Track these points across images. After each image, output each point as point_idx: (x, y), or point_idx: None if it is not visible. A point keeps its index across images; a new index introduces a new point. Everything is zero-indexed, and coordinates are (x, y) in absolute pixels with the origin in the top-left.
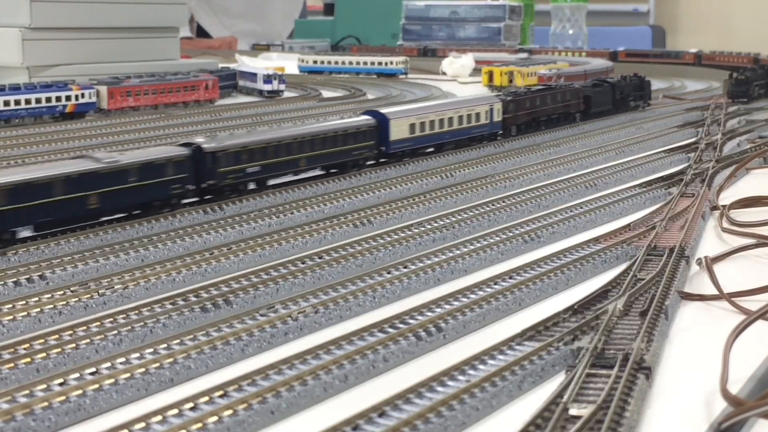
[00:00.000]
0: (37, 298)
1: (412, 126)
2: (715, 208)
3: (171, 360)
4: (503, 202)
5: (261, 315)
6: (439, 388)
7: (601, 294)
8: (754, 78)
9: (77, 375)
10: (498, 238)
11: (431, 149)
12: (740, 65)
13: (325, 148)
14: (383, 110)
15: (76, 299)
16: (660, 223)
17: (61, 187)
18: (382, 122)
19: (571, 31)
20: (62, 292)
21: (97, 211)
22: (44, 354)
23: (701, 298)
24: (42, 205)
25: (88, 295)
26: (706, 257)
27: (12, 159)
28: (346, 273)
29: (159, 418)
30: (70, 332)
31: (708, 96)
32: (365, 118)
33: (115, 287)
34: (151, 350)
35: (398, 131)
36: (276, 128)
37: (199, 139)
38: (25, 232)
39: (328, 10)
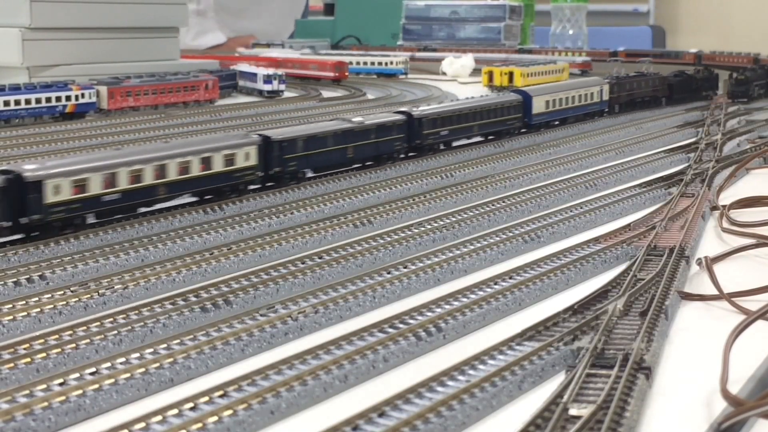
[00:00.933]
0: (37, 298)
1: (547, 102)
2: (715, 208)
3: (171, 360)
4: (503, 202)
5: (261, 315)
6: (439, 388)
7: (601, 294)
8: (754, 78)
9: (77, 375)
10: (498, 238)
11: (557, 122)
12: (740, 65)
13: (488, 118)
14: (528, 90)
15: (76, 299)
16: (660, 223)
17: (332, 140)
18: (527, 99)
19: (571, 31)
20: (62, 292)
21: (351, 159)
22: (44, 354)
23: (701, 298)
24: (321, 153)
25: (88, 295)
26: (706, 257)
27: (12, 159)
28: (346, 273)
29: (159, 418)
30: (70, 332)
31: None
32: (515, 96)
33: (115, 287)
34: (151, 350)
35: (538, 106)
36: (457, 101)
37: (414, 110)
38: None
39: (328, 10)
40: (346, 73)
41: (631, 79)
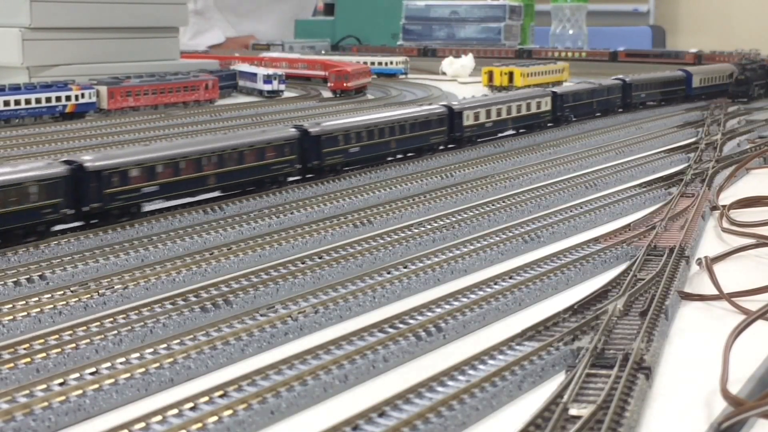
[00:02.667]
0: (37, 298)
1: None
2: (715, 208)
3: (171, 360)
4: (503, 202)
5: (261, 315)
6: (439, 388)
7: (601, 294)
8: (754, 78)
9: (77, 375)
10: (498, 238)
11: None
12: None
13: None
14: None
15: (76, 299)
16: (660, 223)
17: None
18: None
19: (571, 31)
20: (62, 292)
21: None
22: (44, 354)
23: (701, 298)
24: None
25: (88, 295)
26: (706, 257)
27: (12, 159)
28: (346, 273)
29: (159, 418)
30: (70, 332)
31: None
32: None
33: (115, 287)
34: (151, 350)
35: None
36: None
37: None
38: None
39: (328, 10)
40: (347, 85)
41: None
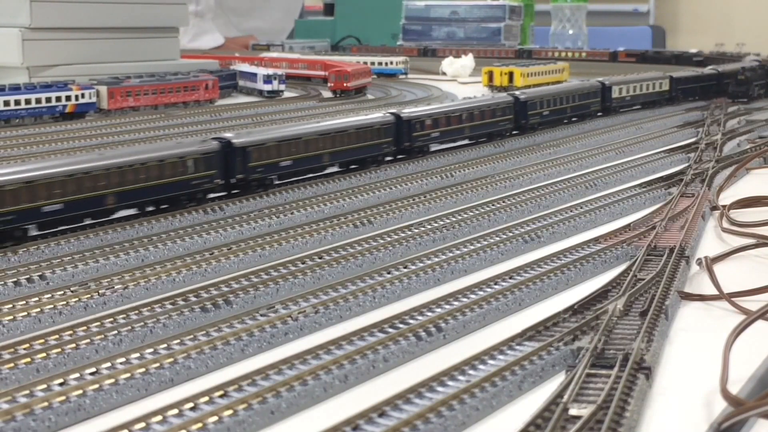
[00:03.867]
0: (37, 298)
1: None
2: (715, 208)
3: (171, 360)
4: (503, 202)
5: (261, 315)
6: (439, 388)
7: (601, 294)
8: (754, 78)
9: (77, 375)
10: (498, 238)
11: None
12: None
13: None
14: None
15: (76, 299)
16: (660, 223)
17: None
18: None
19: (571, 31)
20: (62, 292)
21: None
22: (44, 354)
23: (701, 298)
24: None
25: (88, 295)
26: (706, 257)
27: (12, 159)
28: (346, 273)
29: (159, 418)
30: (70, 332)
31: None
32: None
33: (115, 287)
34: (151, 350)
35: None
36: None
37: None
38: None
39: (328, 10)
40: (347, 85)
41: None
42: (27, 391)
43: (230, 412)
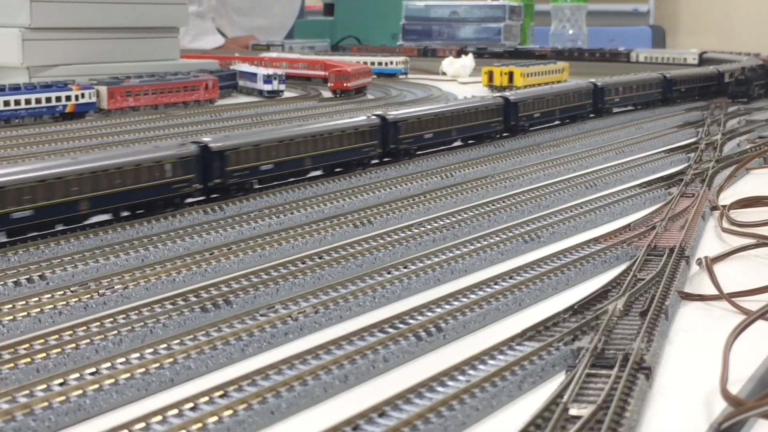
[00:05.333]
0: (37, 298)
1: None
2: (715, 208)
3: (171, 360)
4: (503, 202)
5: (261, 315)
6: (439, 388)
7: (601, 294)
8: (754, 78)
9: (77, 375)
10: (498, 238)
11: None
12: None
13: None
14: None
15: (76, 299)
16: (660, 223)
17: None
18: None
19: (571, 31)
20: (62, 292)
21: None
22: (44, 354)
23: (701, 298)
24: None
25: (88, 295)
26: (706, 257)
27: (12, 159)
28: (346, 273)
29: (159, 418)
30: (70, 332)
31: None
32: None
33: (115, 287)
34: (151, 350)
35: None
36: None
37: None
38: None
39: (328, 10)
40: (347, 85)
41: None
42: (27, 391)
43: (230, 412)
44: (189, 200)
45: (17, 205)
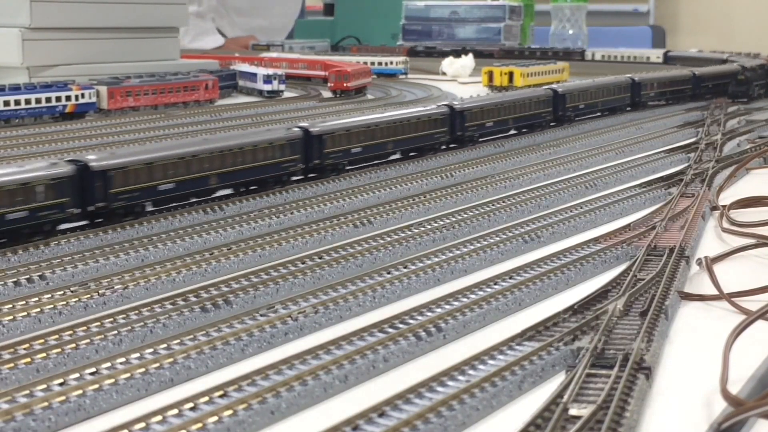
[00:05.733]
0: (37, 298)
1: None
2: (715, 208)
3: (171, 360)
4: (503, 202)
5: (261, 315)
6: (439, 388)
7: (601, 294)
8: (754, 78)
9: (77, 375)
10: (498, 238)
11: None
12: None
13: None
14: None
15: (76, 299)
16: (660, 223)
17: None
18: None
19: (571, 31)
20: (62, 292)
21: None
22: (44, 354)
23: (701, 298)
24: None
25: (88, 295)
26: (706, 257)
27: (12, 159)
28: (346, 273)
29: (159, 418)
30: (70, 332)
31: None
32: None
33: (115, 287)
34: (151, 350)
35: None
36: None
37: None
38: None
39: (328, 10)
40: (347, 85)
41: None
42: (27, 391)
43: (230, 412)
44: (294, 179)
45: (163, 178)
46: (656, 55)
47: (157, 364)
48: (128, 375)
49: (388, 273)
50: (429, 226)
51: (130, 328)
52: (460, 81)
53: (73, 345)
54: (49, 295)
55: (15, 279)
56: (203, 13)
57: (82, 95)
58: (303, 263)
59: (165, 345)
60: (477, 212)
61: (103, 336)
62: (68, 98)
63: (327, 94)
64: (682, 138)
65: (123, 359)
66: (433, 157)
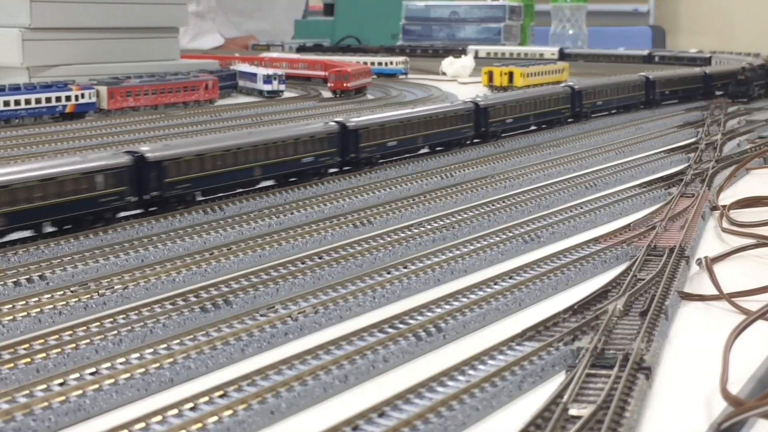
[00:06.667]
0: (37, 298)
1: None
2: (715, 208)
3: (171, 360)
4: (503, 202)
5: (261, 315)
6: (439, 389)
7: (601, 294)
8: (754, 78)
9: (77, 375)
10: (498, 238)
11: None
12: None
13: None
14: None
15: (76, 299)
16: (660, 224)
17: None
18: None
19: (571, 32)
20: (62, 292)
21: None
22: (44, 354)
23: (701, 298)
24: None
25: (88, 295)
26: (706, 257)
27: (12, 159)
28: (346, 273)
29: (159, 418)
30: (70, 332)
31: None
32: None
33: (115, 287)
34: (151, 350)
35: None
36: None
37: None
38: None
39: (328, 10)
40: (347, 85)
41: None
42: (27, 391)
43: (230, 412)
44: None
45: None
46: (551, 52)
47: (157, 364)
48: (128, 375)
49: (388, 273)
50: (429, 226)
51: (130, 328)
52: (460, 81)
53: (73, 345)
54: (49, 295)
55: (15, 279)
56: (202, 13)
57: (82, 95)
58: (303, 263)
59: (165, 345)
60: (477, 212)
61: (103, 336)
62: (68, 98)
63: (327, 94)
64: (682, 138)
65: (123, 359)
66: (432, 158)
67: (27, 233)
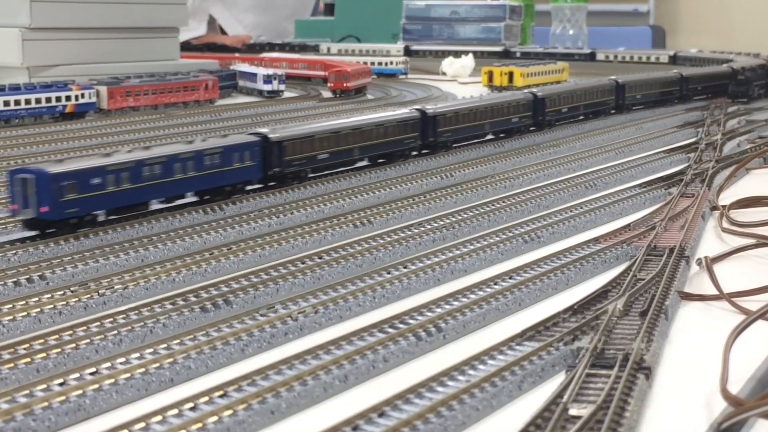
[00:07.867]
0: (37, 298)
1: None
2: (715, 208)
3: (171, 360)
4: (503, 202)
5: (261, 315)
6: (439, 389)
7: (601, 294)
8: (754, 78)
9: (77, 375)
10: (498, 238)
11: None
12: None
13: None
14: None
15: (76, 299)
16: (660, 224)
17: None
18: None
19: (571, 32)
20: (62, 292)
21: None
22: (44, 354)
23: (701, 298)
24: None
25: (88, 295)
26: (706, 257)
27: (12, 159)
28: (346, 273)
29: (159, 418)
30: (70, 332)
31: None
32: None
33: (115, 287)
34: (150, 350)
35: None
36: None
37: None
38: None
39: (328, 10)
40: (347, 85)
41: None
42: (27, 391)
43: (230, 412)
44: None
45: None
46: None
47: (157, 364)
48: (128, 375)
49: (388, 273)
50: (429, 226)
51: (130, 328)
52: (460, 81)
53: (73, 345)
54: (49, 295)
55: (15, 279)
56: (194, 12)
57: (82, 95)
58: (303, 263)
59: (165, 345)
60: (477, 212)
61: (103, 336)
62: (68, 98)
63: (327, 94)
64: (682, 138)
65: (123, 359)
66: (433, 158)
67: (26, 234)
